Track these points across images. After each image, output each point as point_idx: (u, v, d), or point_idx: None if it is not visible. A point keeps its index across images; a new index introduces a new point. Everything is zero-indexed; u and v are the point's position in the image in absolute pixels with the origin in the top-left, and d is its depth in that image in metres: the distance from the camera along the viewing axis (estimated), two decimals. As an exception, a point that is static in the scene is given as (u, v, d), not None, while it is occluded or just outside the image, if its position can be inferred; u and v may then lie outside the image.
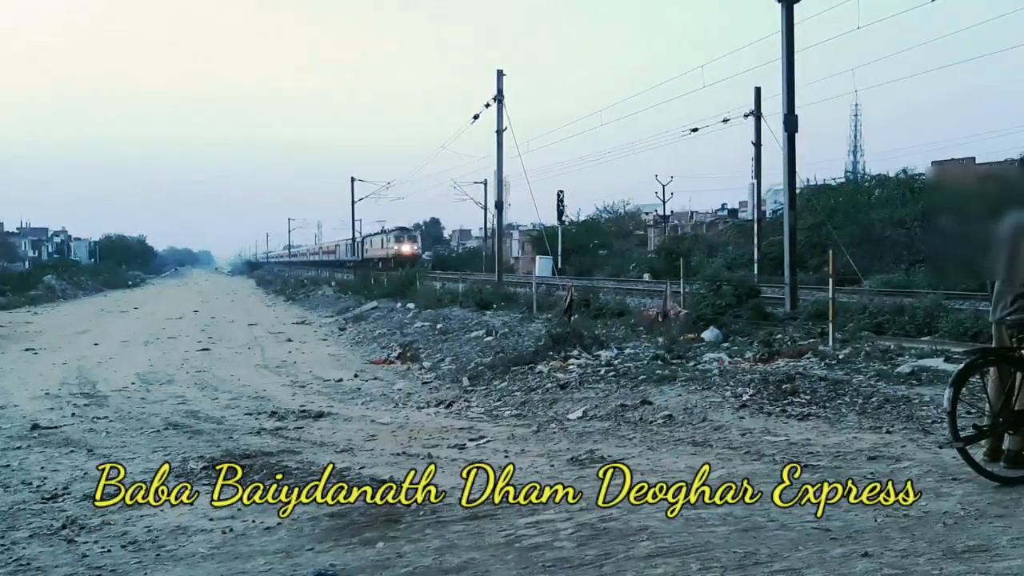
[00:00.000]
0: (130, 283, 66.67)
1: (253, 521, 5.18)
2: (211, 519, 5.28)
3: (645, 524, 4.79)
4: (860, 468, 5.96)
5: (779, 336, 12.78)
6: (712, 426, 7.79)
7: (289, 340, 20.26)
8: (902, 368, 9.66)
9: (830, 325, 12.32)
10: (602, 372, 10.81)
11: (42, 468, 7.01)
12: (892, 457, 6.27)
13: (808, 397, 8.54)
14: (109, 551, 4.74)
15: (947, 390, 5.47)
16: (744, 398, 8.67)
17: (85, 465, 7.10)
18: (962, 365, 5.77)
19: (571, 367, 11.37)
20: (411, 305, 24.91)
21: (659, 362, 11.33)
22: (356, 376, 13.46)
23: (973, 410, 7.05)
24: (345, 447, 7.71)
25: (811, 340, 12.26)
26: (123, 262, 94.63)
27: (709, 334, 13.63)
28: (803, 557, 4.19)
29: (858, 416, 7.80)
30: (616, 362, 11.50)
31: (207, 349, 18.05)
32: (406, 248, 61.03)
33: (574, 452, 6.97)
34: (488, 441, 7.75)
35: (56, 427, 9.06)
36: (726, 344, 12.94)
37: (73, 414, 9.92)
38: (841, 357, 10.74)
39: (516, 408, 9.61)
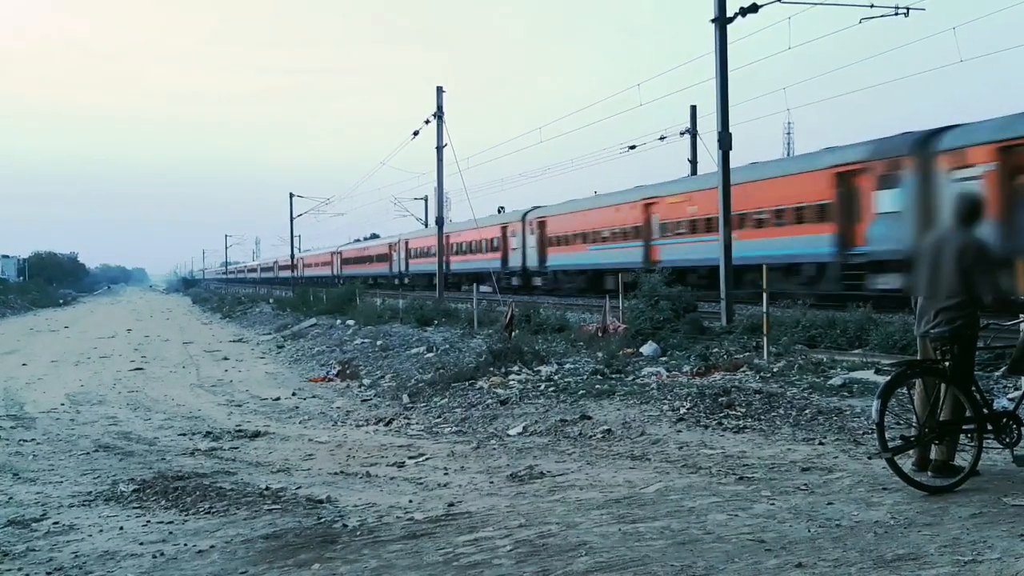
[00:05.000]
0: (61, 301, 64.74)
1: (185, 544, 5.07)
2: (141, 543, 5.14)
3: (583, 539, 4.81)
4: (794, 480, 6.07)
5: (715, 350, 12.95)
6: (650, 440, 7.86)
7: (225, 358, 19.92)
8: (834, 380, 9.87)
9: (765, 339, 12.54)
10: (542, 387, 10.83)
11: (-36, 494, 6.77)
12: (825, 468, 6.40)
13: (744, 410, 8.67)
14: (34, 579, 4.60)
15: (875, 402, 5.61)
16: (681, 412, 8.76)
17: (10, 490, 6.87)
18: (888, 378, 5.92)
19: (511, 383, 11.37)
20: (351, 322, 24.66)
21: (598, 377, 11.40)
22: (294, 394, 13.28)
23: (901, 421, 7.27)
24: (282, 467, 7.60)
25: (746, 354, 12.45)
26: (54, 280, 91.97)
27: (647, 348, 13.75)
28: (738, 569, 4.25)
29: (792, 428, 7.95)
30: (556, 377, 11.54)
31: (140, 368, 17.63)
32: None
33: (514, 468, 6.98)
34: (428, 458, 7.71)
35: (-21, 451, 8.76)
36: (664, 358, 13.08)
37: (-2, 437, 9.60)
38: (775, 370, 10.94)
39: (456, 425, 9.57)
